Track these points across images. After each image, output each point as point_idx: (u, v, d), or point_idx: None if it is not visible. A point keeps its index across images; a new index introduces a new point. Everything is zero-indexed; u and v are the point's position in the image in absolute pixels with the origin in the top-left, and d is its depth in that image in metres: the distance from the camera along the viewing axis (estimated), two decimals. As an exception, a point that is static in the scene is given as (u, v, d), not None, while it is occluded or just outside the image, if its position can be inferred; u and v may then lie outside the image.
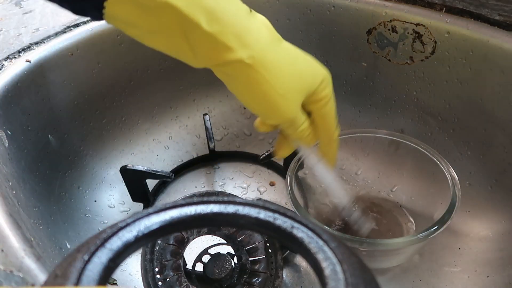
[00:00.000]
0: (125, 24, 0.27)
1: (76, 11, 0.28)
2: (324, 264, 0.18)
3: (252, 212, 0.21)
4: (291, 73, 0.30)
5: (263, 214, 0.21)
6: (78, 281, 0.16)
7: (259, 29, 0.29)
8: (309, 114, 0.34)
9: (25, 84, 0.43)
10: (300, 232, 0.20)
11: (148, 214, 0.21)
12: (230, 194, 0.49)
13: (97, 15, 0.27)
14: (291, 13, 0.55)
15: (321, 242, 0.19)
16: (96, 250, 0.18)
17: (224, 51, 0.27)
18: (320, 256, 0.18)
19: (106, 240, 0.19)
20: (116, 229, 0.19)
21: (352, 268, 0.17)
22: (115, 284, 0.40)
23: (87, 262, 0.17)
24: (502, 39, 0.41)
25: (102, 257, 0.18)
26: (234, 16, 0.27)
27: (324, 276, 0.17)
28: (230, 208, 0.21)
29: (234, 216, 0.21)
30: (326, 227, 0.38)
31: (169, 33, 0.27)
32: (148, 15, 0.26)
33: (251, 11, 0.29)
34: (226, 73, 0.29)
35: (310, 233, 0.20)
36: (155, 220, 0.21)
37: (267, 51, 0.29)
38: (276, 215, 0.21)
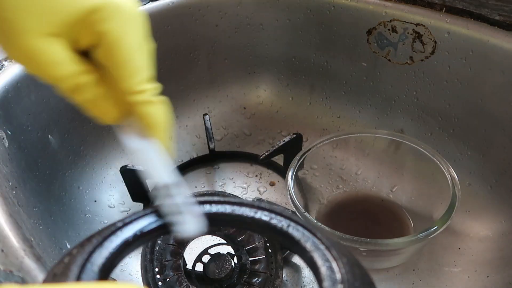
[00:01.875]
0: None
1: None
2: (320, 262, 0.18)
3: (249, 212, 0.21)
4: None
5: (259, 214, 0.21)
6: (78, 278, 0.16)
7: None
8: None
9: (25, 84, 0.43)
10: (296, 231, 0.20)
11: (146, 214, 0.21)
12: (230, 194, 0.49)
13: None
14: (291, 13, 0.55)
15: (316, 241, 0.19)
16: (95, 248, 0.18)
17: None
18: (315, 255, 0.19)
19: (105, 238, 0.19)
20: (115, 228, 0.19)
21: (347, 265, 0.18)
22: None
23: (86, 260, 0.17)
24: (502, 39, 0.41)
25: (101, 255, 0.18)
26: None
27: (320, 274, 0.18)
28: (227, 208, 0.21)
29: (231, 216, 0.21)
30: (325, 226, 0.38)
31: None
32: None
33: None
34: None
35: (306, 232, 0.20)
36: (153, 220, 0.21)
37: None
38: (272, 215, 0.21)
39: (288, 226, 0.20)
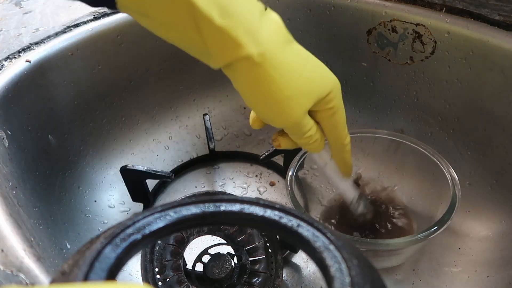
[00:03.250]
0: (137, 14, 0.27)
1: (91, 2, 0.28)
2: (329, 263, 0.18)
3: (258, 210, 0.21)
4: (300, 76, 0.30)
5: (269, 213, 0.21)
6: (86, 278, 0.16)
7: (271, 27, 0.28)
8: (318, 123, 0.33)
9: (25, 84, 0.43)
10: (306, 230, 0.20)
11: (153, 213, 0.21)
12: (230, 194, 0.49)
13: (111, 5, 0.27)
14: (291, 13, 0.55)
15: (327, 241, 0.19)
16: (104, 247, 0.18)
17: (234, 46, 0.26)
18: (325, 255, 0.18)
19: (113, 237, 0.19)
20: (123, 226, 0.19)
21: (357, 267, 0.17)
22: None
23: (95, 258, 0.17)
24: (502, 39, 0.41)
25: (109, 254, 0.18)
26: (248, 12, 0.27)
27: (329, 275, 0.17)
28: (236, 207, 0.21)
29: (240, 214, 0.21)
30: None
31: (182, 26, 0.27)
32: (160, 6, 0.26)
33: (266, 9, 0.29)
34: (234, 69, 0.28)
35: (316, 232, 0.20)
36: (160, 219, 0.21)
37: (278, 50, 0.28)
38: (282, 214, 0.21)
39: (298, 225, 0.20)
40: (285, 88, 0.29)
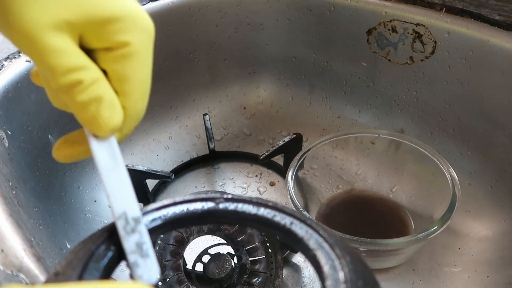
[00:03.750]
0: None
1: None
2: (323, 261, 0.18)
3: (251, 209, 0.21)
4: None
5: (262, 211, 0.21)
6: (80, 278, 0.16)
7: None
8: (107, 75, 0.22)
9: (25, 84, 0.43)
10: (299, 228, 0.20)
11: (146, 212, 0.21)
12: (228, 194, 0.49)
13: None
14: (291, 13, 0.55)
15: (320, 239, 0.19)
16: (98, 247, 0.18)
17: None
18: (319, 253, 0.18)
19: (107, 237, 0.19)
20: (109, 232, 0.19)
21: (350, 264, 0.17)
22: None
23: (88, 259, 0.17)
24: (502, 39, 0.41)
25: (103, 254, 0.18)
26: None
27: (323, 272, 0.17)
28: (230, 205, 0.21)
29: (234, 213, 0.21)
30: (325, 226, 0.38)
31: None
32: None
33: None
34: None
35: (309, 230, 0.20)
36: (155, 218, 0.21)
37: None
38: (276, 212, 0.21)
39: (291, 223, 0.20)
40: None
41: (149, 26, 0.22)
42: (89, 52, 0.21)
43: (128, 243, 0.19)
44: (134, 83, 0.21)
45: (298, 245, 0.20)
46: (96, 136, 0.21)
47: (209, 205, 0.21)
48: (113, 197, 0.20)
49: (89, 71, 0.20)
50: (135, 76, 0.21)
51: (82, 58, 0.20)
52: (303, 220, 0.20)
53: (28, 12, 0.19)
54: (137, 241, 0.19)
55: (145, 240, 0.19)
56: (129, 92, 0.21)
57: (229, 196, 0.22)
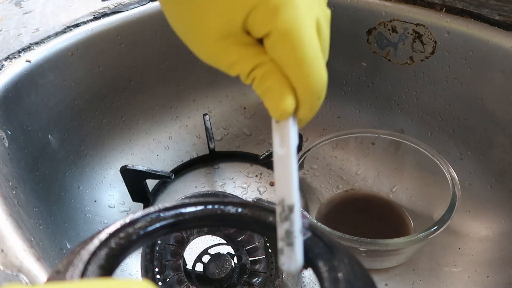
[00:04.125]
0: None
1: None
2: (321, 263, 0.18)
3: (232, 209, 0.21)
4: None
5: (263, 214, 0.21)
6: (82, 276, 0.16)
7: None
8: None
9: (25, 84, 0.43)
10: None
11: (143, 216, 0.21)
12: (230, 195, 0.49)
13: None
14: (291, 13, 0.55)
15: (317, 241, 0.19)
16: (100, 246, 0.18)
17: None
18: (316, 254, 0.19)
19: (109, 237, 0.19)
20: (119, 226, 0.19)
21: (348, 266, 0.18)
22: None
23: (90, 257, 0.17)
24: (502, 39, 0.41)
25: (104, 253, 0.18)
26: None
27: (321, 274, 0.18)
28: (230, 209, 0.21)
29: (233, 215, 0.21)
30: (325, 226, 0.38)
31: None
32: None
33: None
34: None
35: (307, 231, 0.20)
36: (156, 220, 0.21)
37: None
38: (272, 214, 0.21)
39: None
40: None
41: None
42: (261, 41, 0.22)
43: (280, 230, 0.19)
44: (291, 65, 0.21)
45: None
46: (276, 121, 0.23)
47: (215, 208, 0.21)
48: (277, 183, 0.21)
49: (260, 68, 0.22)
50: (290, 57, 0.21)
51: (250, 60, 0.22)
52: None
53: (205, 27, 0.22)
54: (287, 229, 0.19)
55: (294, 229, 0.19)
56: (291, 75, 0.22)
57: (226, 200, 0.22)
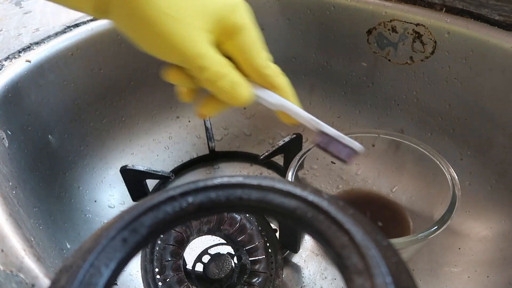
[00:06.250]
0: None
1: None
2: (336, 241, 0.16)
3: (278, 198, 0.19)
4: None
5: (288, 201, 0.19)
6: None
7: None
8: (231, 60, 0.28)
9: (25, 84, 0.43)
10: (326, 225, 0.18)
11: (144, 211, 0.20)
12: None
13: None
14: (291, 13, 0.55)
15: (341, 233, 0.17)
16: (102, 251, 0.18)
17: None
18: (344, 252, 0.16)
19: (106, 244, 0.19)
20: (116, 228, 0.19)
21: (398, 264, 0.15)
22: (115, 284, 0.40)
23: (97, 257, 0.17)
24: (502, 39, 0.41)
25: (107, 256, 0.18)
26: None
27: (335, 248, 0.16)
28: (253, 194, 0.19)
29: (259, 201, 0.19)
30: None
31: None
32: None
33: None
34: (112, 5, 0.24)
35: (336, 227, 0.18)
36: (153, 218, 0.20)
37: None
38: (300, 203, 0.18)
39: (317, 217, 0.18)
40: (166, 6, 0.23)
41: (244, 2, 0.27)
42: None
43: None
44: (254, 51, 0.27)
45: (322, 241, 0.17)
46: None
47: (231, 193, 0.20)
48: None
49: (225, 65, 0.26)
50: (254, 45, 0.27)
51: (221, 58, 0.26)
52: (331, 213, 0.18)
53: (191, 35, 0.24)
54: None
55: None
56: (251, 58, 0.28)
57: (250, 182, 0.19)
